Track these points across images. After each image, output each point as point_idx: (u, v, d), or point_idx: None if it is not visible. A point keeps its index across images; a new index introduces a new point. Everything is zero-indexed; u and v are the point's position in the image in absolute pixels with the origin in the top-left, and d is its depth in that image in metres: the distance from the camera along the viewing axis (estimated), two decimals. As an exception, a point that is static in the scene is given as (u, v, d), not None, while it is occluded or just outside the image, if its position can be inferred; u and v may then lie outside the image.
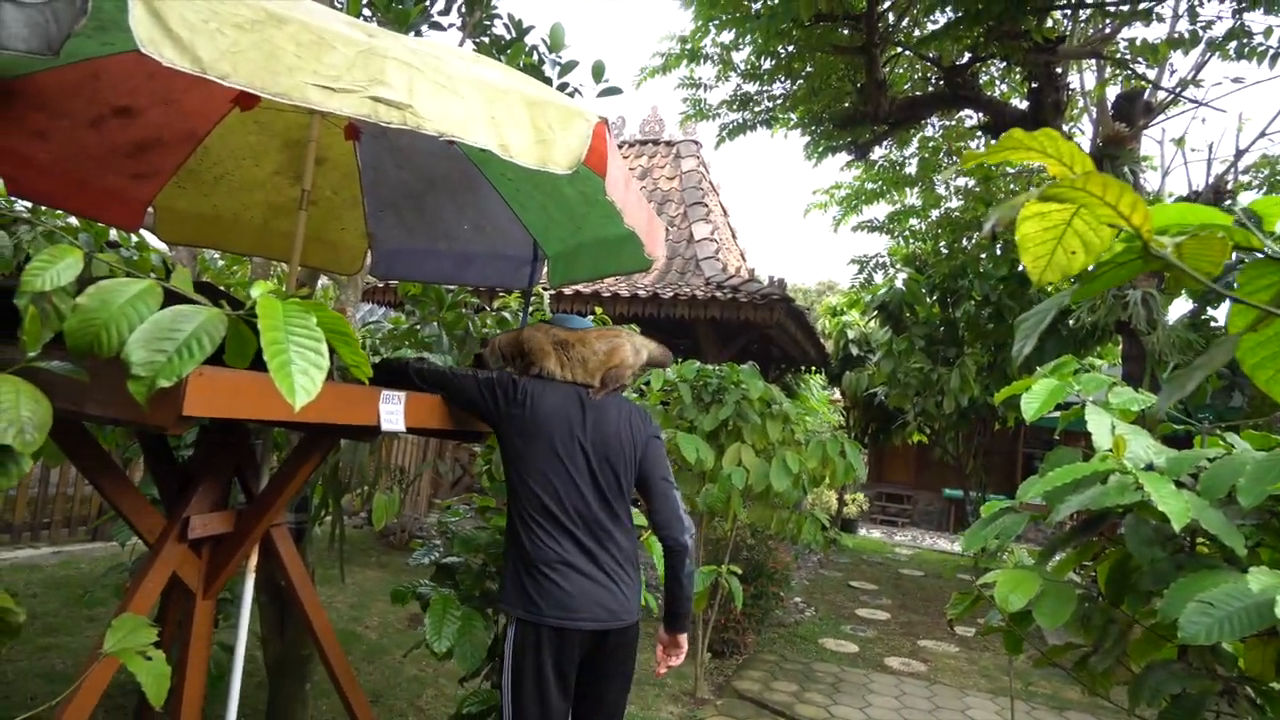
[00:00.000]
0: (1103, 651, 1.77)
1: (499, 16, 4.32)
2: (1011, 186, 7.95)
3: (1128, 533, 1.61)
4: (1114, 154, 5.76)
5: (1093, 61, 6.58)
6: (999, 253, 8.38)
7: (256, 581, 2.28)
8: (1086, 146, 6.37)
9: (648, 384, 4.46)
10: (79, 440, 1.87)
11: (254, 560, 2.21)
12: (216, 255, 5.79)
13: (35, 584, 5.40)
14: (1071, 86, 6.47)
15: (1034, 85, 5.69)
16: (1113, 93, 6.65)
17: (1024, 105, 6.16)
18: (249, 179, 3.08)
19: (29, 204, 3.22)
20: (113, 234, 4.14)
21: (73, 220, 4.09)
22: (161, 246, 4.02)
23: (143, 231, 3.34)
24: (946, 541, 14.42)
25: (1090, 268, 0.72)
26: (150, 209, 3.06)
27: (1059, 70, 5.60)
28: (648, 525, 2.58)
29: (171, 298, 1.03)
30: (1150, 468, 1.66)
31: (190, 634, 2.05)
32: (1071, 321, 6.72)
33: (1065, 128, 6.40)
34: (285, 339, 0.97)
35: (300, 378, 0.95)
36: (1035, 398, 1.91)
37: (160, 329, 0.96)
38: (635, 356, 2.33)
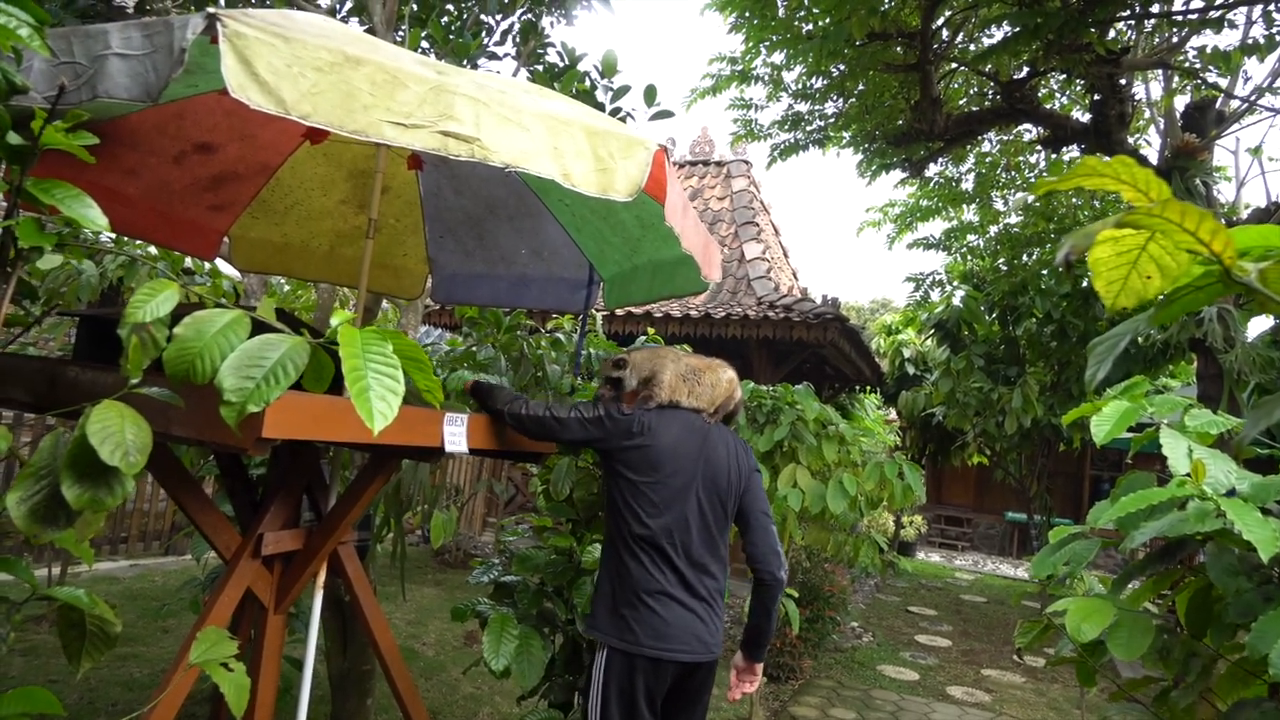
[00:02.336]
0: (1185, 687, 1.69)
1: (552, 45, 4.44)
2: (1073, 200, 7.74)
3: (1209, 562, 1.55)
4: (1184, 166, 5.56)
5: (1160, 72, 6.38)
6: (1061, 270, 8.12)
7: (323, 597, 2.35)
8: (1154, 158, 6.17)
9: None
10: (164, 460, 1.97)
11: (322, 577, 2.28)
12: (283, 281, 6.03)
13: (113, 596, 5.64)
14: (1137, 98, 6.29)
15: (1097, 98, 5.55)
16: (1182, 102, 6.43)
17: (1086, 118, 6.00)
18: (317, 208, 3.21)
19: (113, 236, 3.42)
20: (187, 262, 4.36)
21: (152, 249, 4.33)
22: (233, 273, 4.21)
23: (217, 260, 3.50)
24: (1010, 567, 13.92)
25: (1166, 292, 0.70)
26: (225, 238, 3.21)
27: (1123, 82, 5.44)
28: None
29: (258, 327, 1.09)
30: (1233, 493, 1.60)
31: (262, 647, 2.12)
32: (1140, 340, 6.47)
33: (1131, 140, 6.21)
34: (364, 366, 1.01)
35: (378, 403, 0.99)
36: (1106, 420, 1.85)
37: (250, 357, 1.02)
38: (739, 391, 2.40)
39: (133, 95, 1.24)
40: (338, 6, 4.59)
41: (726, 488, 2.22)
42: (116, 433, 0.97)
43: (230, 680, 1.24)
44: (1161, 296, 0.74)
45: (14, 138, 1.19)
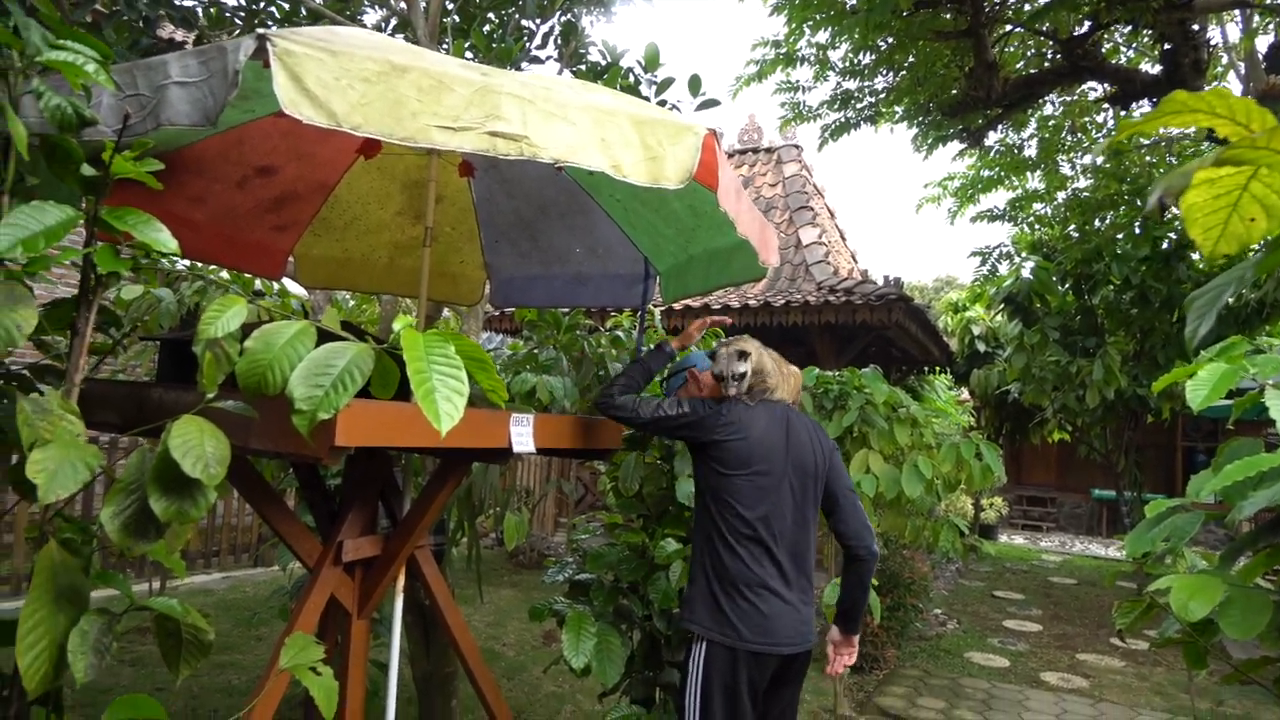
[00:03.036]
0: (1309, 666, 1.58)
1: (593, 44, 4.44)
2: (1148, 159, 7.33)
3: (1327, 531, 1.44)
4: (1272, 109, 5.19)
5: (1237, 12, 5.98)
6: (1138, 232, 7.72)
7: (403, 601, 2.40)
8: (1235, 106, 5.79)
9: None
10: (245, 474, 2.04)
11: (401, 581, 2.33)
12: (348, 295, 6.22)
13: (208, 606, 5.91)
14: (1213, 42, 5.91)
15: (1168, 47, 5.23)
16: (1264, 43, 6.01)
17: (1157, 70, 5.68)
18: (375, 222, 3.28)
19: (186, 262, 3.57)
20: (257, 283, 4.53)
21: (223, 273, 4.51)
22: (300, 291, 4.36)
23: (284, 279, 3.63)
24: (1099, 546, 13.33)
25: (1273, 235, 0.64)
26: (290, 258, 3.32)
27: (1196, 26, 5.12)
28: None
29: (324, 336, 1.12)
30: (1350, 456, 1.48)
31: (349, 652, 2.18)
32: (1231, 299, 6.09)
33: (1207, 88, 5.84)
34: (428, 368, 1.02)
35: (444, 404, 1.00)
36: (1203, 384, 1.73)
37: (317, 365, 1.04)
38: None
39: (193, 120, 1.28)
40: (383, 25, 4.70)
41: (814, 472, 2.25)
42: (196, 446, 1.00)
43: (319, 684, 1.27)
44: (1266, 241, 0.68)
45: (88, 169, 1.24)
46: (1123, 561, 10.48)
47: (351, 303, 6.36)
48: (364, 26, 4.54)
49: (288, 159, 2.76)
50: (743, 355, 2.25)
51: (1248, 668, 1.80)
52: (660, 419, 2.20)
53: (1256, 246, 0.72)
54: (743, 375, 2.24)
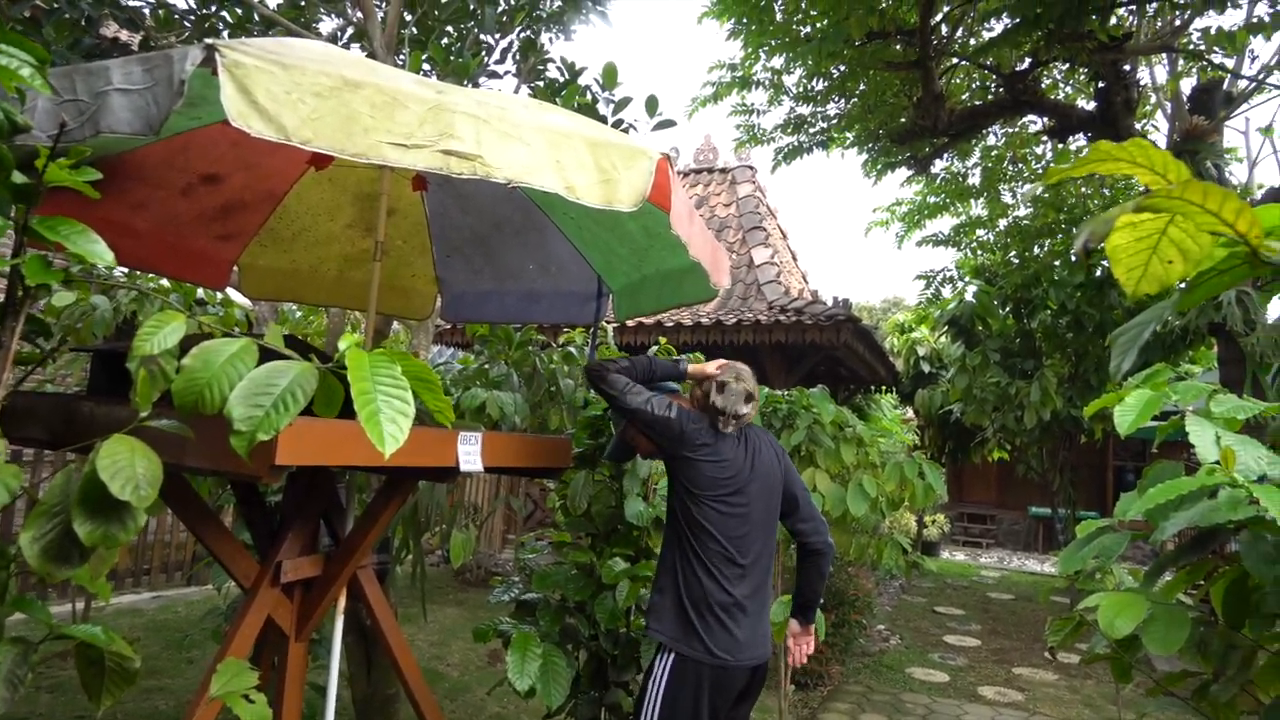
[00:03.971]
0: (1225, 680, 1.65)
1: (552, 61, 4.46)
2: (1083, 189, 7.67)
3: (1244, 550, 1.51)
4: (1194, 149, 5.49)
5: (1164, 56, 6.32)
6: (1074, 259, 8.05)
7: (344, 622, 2.34)
8: (1163, 143, 6.11)
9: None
10: (180, 491, 1.97)
11: (342, 602, 2.27)
12: (294, 307, 6.07)
13: (137, 628, 5.67)
14: (1142, 83, 6.23)
15: (1101, 85, 5.50)
16: (1188, 85, 6.36)
17: (1091, 106, 5.95)
18: (324, 234, 3.22)
19: (125, 270, 3.45)
20: (199, 292, 4.40)
21: (164, 282, 4.37)
22: (245, 302, 4.24)
23: (227, 289, 3.53)
24: (1036, 562, 13.74)
25: (1189, 276, 0.68)
26: (235, 268, 3.23)
27: (1127, 67, 5.39)
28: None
29: (266, 354, 1.09)
30: (1264, 479, 1.56)
31: (285, 676, 2.11)
32: (1158, 327, 6.38)
33: (1138, 125, 6.15)
34: (373, 389, 1.00)
35: (389, 425, 0.98)
36: (1129, 410, 1.81)
37: (258, 385, 1.01)
38: None
39: (135, 129, 1.25)
40: (339, 34, 4.64)
41: (775, 484, 2.30)
42: (126, 467, 0.96)
43: (251, 712, 1.23)
44: (1183, 282, 0.72)
45: (18, 176, 1.19)
46: (1057, 578, 10.82)
47: (299, 314, 6.20)
48: (319, 35, 4.47)
49: (235, 168, 2.70)
50: (749, 399, 2.28)
51: (1169, 681, 1.87)
52: (643, 410, 2.20)
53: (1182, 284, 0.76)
54: (742, 417, 2.27)
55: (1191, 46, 5.78)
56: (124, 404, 1.55)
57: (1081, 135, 6.05)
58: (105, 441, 1.00)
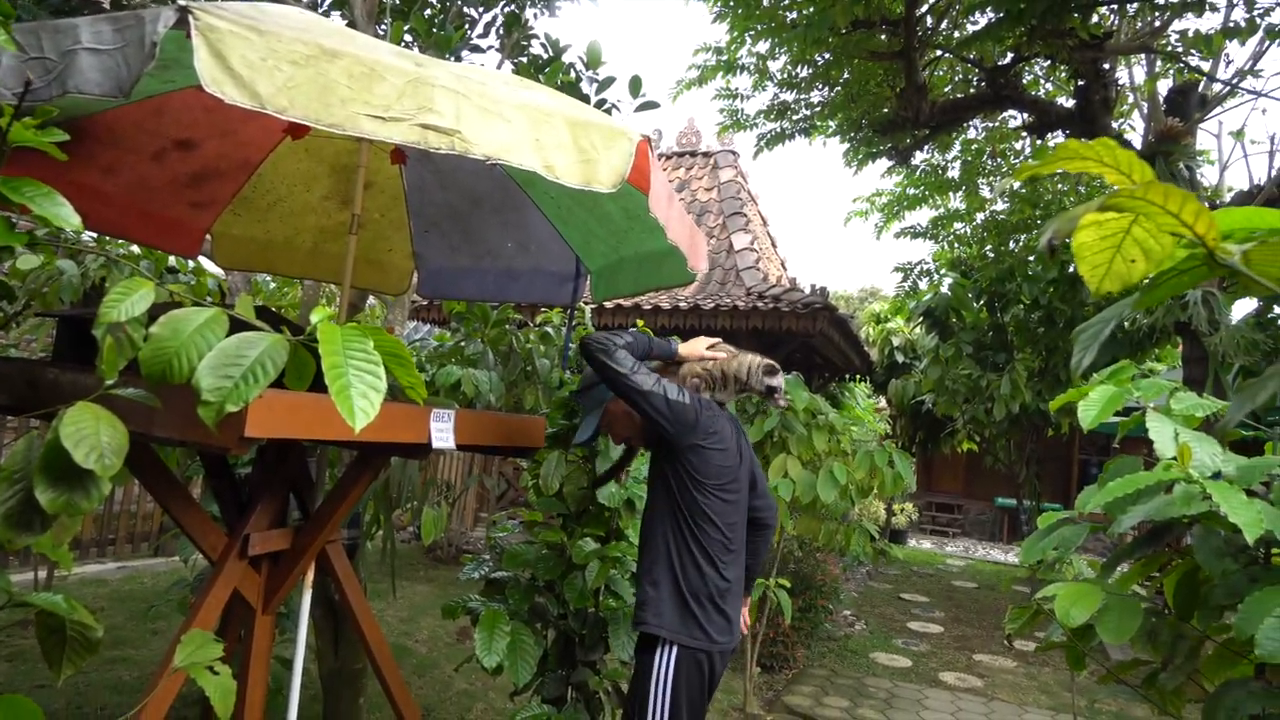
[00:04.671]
0: (1172, 668, 1.71)
1: (535, 37, 4.41)
2: (1059, 186, 7.77)
3: (1196, 544, 1.56)
4: (1168, 150, 5.58)
5: (1143, 56, 6.40)
6: (1046, 255, 8.15)
7: (312, 596, 2.34)
8: (1138, 143, 6.21)
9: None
10: (147, 461, 1.94)
11: (310, 576, 2.26)
12: (268, 278, 5.98)
13: (102, 598, 5.60)
14: (1120, 82, 6.30)
15: (1081, 83, 5.56)
16: (1165, 87, 6.45)
17: (1070, 104, 6.02)
18: (300, 204, 3.17)
19: (94, 235, 3.38)
20: (171, 260, 4.32)
21: (134, 248, 4.28)
22: (217, 271, 4.17)
23: (200, 258, 3.46)
24: (1000, 552, 14.04)
25: (1151, 275, 0.70)
26: (208, 236, 3.18)
27: (1107, 66, 5.46)
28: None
29: (236, 325, 1.08)
30: (1218, 476, 1.60)
31: (251, 648, 2.11)
32: (1126, 324, 6.51)
33: (1115, 124, 6.24)
34: (345, 363, 1.00)
35: (360, 400, 0.98)
36: (1092, 405, 1.86)
37: (227, 356, 1.00)
38: None
39: (104, 91, 1.22)
40: (318, 2, 4.54)
41: (749, 466, 2.33)
42: (91, 435, 0.95)
43: (215, 684, 1.22)
44: (1147, 280, 0.74)
45: (-19, 135, 1.16)
46: (1019, 567, 11.07)
47: (272, 285, 6.11)
48: (298, 1, 4.37)
49: (209, 134, 2.64)
50: (771, 370, 2.23)
51: (1120, 669, 1.93)
52: (655, 393, 2.05)
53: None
54: (775, 390, 2.24)
55: (1169, 48, 5.86)
56: (90, 371, 1.52)
57: (1060, 132, 6.12)
58: (70, 408, 0.99)
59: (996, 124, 7.60)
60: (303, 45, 1.27)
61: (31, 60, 1.27)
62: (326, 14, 4.50)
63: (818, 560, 6.21)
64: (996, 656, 6.67)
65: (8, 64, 1.27)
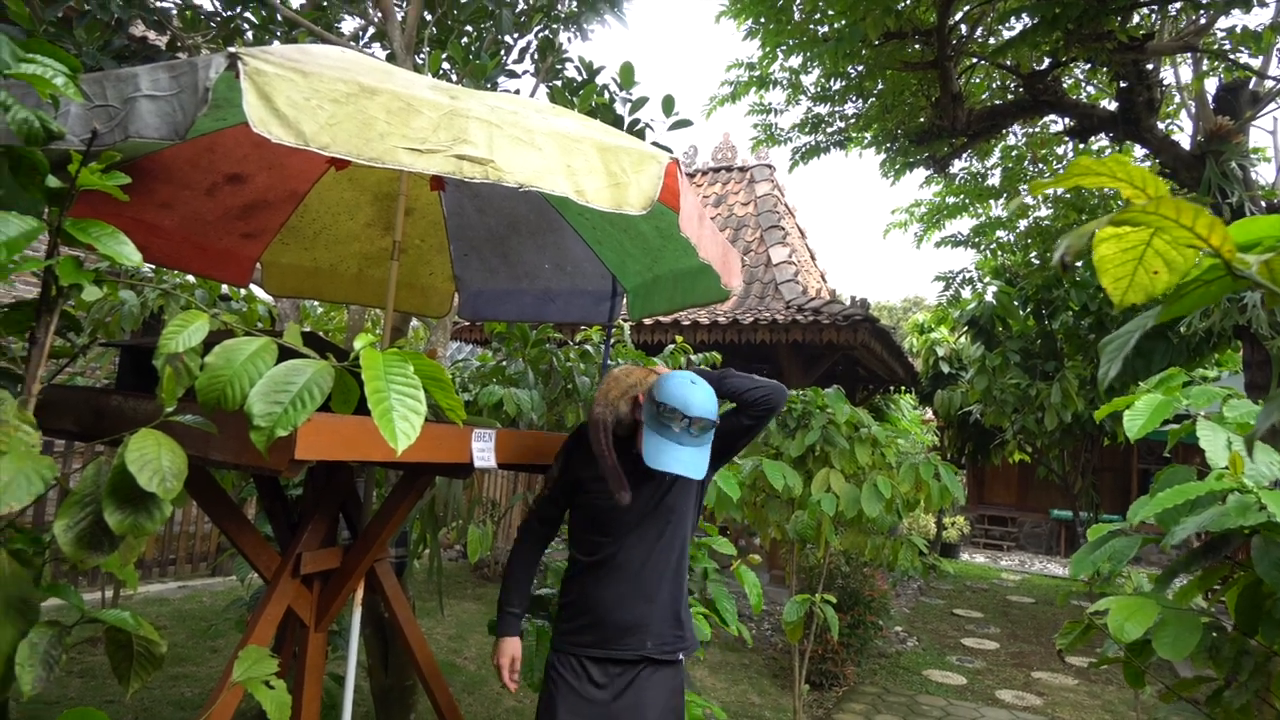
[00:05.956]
0: (1237, 686, 1.65)
1: (569, 60, 4.50)
2: (1105, 190, 7.58)
3: (1256, 556, 1.51)
4: (1218, 150, 5.42)
5: (1188, 55, 6.24)
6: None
7: (362, 614, 2.39)
8: (1186, 144, 6.03)
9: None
10: (204, 485, 2.02)
11: (360, 594, 2.32)
12: (316, 303, 6.17)
13: (163, 617, 5.79)
14: (1165, 82, 6.15)
15: (1123, 85, 5.44)
16: (1213, 85, 6.27)
17: (1114, 106, 5.89)
18: (344, 232, 3.28)
19: (152, 266, 3.53)
20: (224, 288, 4.49)
21: (189, 278, 4.46)
22: (267, 298, 4.33)
23: (250, 286, 3.60)
24: (1057, 566, 13.60)
25: (1174, 286, 0.70)
26: (258, 265, 3.30)
27: (1150, 67, 5.33)
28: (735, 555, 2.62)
29: (285, 352, 1.13)
30: (1277, 485, 1.55)
31: (305, 665, 2.17)
32: (1182, 328, 6.30)
33: (1161, 125, 6.07)
34: (386, 387, 1.04)
35: (401, 423, 1.02)
36: (1139, 414, 1.82)
37: (276, 383, 1.05)
38: None
39: (162, 134, 1.29)
40: (360, 34, 4.71)
41: None
42: (153, 460, 1.01)
43: (272, 698, 1.27)
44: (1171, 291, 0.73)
45: (53, 180, 1.24)
46: (1075, 581, 10.71)
47: (320, 311, 6.30)
48: (340, 36, 4.54)
49: (258, 168, 2.76)
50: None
51: (1184, 686, 1.87)
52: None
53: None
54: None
55: (1216, 46, 5.69)
56: (151, 398, 1.60)
57: (1103, 136, 5.99)
58: (133, 435, 1.05)
59: (1037, 129, 7.46)
60: (343, 84, 1.33)
61: (96, 108, 1.36)
62: (368, 46, 4.67)
63: (865, 575, 6.11)
64: (1056, 674, 6.46)
65: (76, 113, 1.35)
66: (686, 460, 1.92)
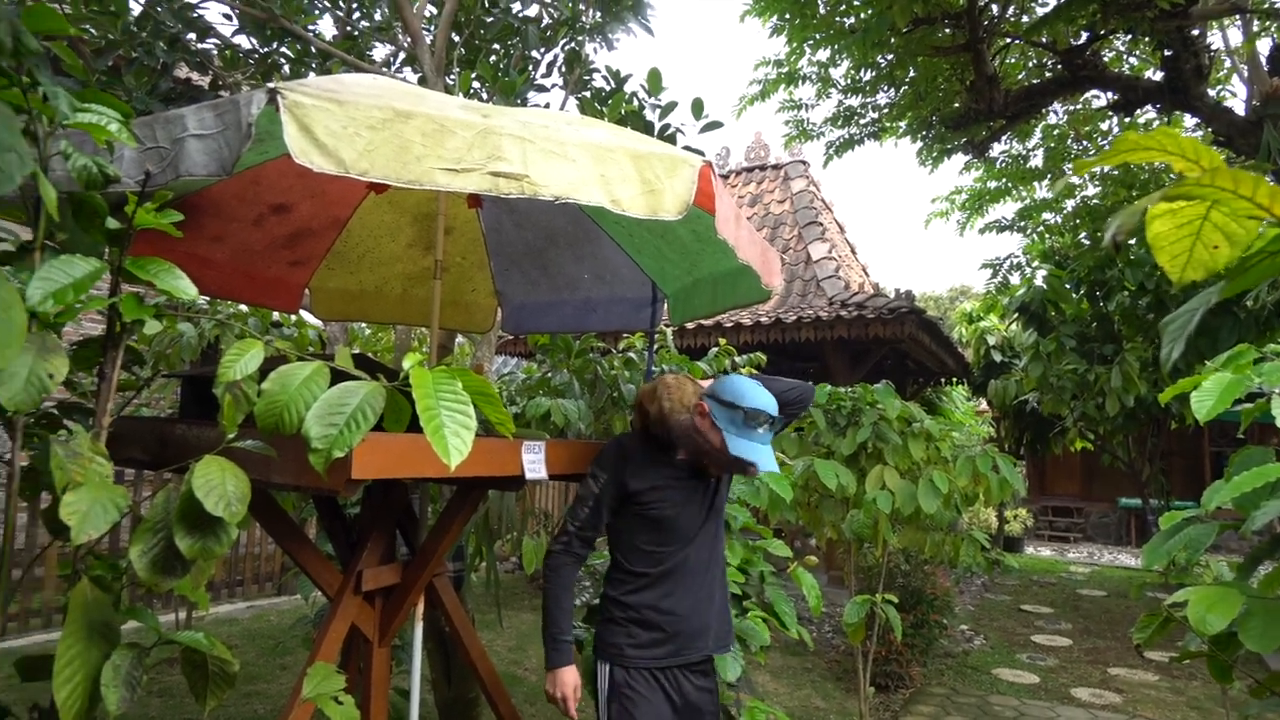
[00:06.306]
0: (1334, 677, 1.57)
1: (597, 70, 4.53)
2: (1156, 164, 7.32)
3: (1346, 541, 1.43)
4: (1276, 113, 5.18)
5: (1236, 17, 5.99)
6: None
7: (424, 629, 2.43)
8: (1240, 109, 5.79)
9: (778, 411, 4.40)
10: (266, 507, 2.08)
11: (421, 608, 2.36)
12: (363, 325, 6.32)
13: (234, 636, 5.97)
14: (1214, 47, 5.91)
15: (1168, 53, 5.24)
16: (1266, 46, 6.01)
17: (1159, 76, 5.68)
18: (387, 254, 3.35)
19: (206, 298, 3.66)
20: (274, 315, 4.63)
21: (242, 307, 4.61)
22: (316, 323, 4.45)
23: (300, 311, 3.70)
24: (1129, 556, 13.11)
25: (1236, 260, 0.67)
26: (306, 291, 3.39)
27: (1196, 33, 5.13)
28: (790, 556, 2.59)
29: (337, 375, 1.16)
30: (1363, 465, 1.47)
31: (370, 680, 2.21)
32: (1249, 303, 6.03)
33: (1212, 93, 5.84)
34: (437, 405, 1.06)
35: (453, 439, 1.04)
36: (1208, 395, 1.74)
37: (331, 405, 1.08)
38: None
39: (210, 171, 1.34)
40: (391, 60, 4.82)
41: None
42: (218, 486, 1.05)
43: (341, 713, 1.30)
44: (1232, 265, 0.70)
45: (112, 222, 1.30)
46: (1149, 572, 10.29)
47: (367, 332, 6.44)
48: (372, 63, 4.65)
49: (301, 196, 2.84)
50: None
51: (1272, 681, 1.78)
52: None
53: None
54: None
55: (1266, 5, 5.45)
56: (213, 425, 1.66)
57: (1150, 107, 5.78)
58: (198, 462, 1.09)
59: (1079, 106, 7.24)
60: (378, 110, 1.37)
61: (148, 150, 1.42)
62: (399, 70, 4.77)
63: (926, 573, 5.98)
64: (1135, 670, 6.22)
65: (130, 157, 1.41)
66: (769, 457, 2.04)
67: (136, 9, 3.76)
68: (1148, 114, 6.07)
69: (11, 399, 1.01)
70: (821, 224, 9.59)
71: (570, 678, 2.10)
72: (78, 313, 1.14)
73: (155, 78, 3.68)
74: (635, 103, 4.04)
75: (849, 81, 6.35)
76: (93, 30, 3.61)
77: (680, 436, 2.09)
